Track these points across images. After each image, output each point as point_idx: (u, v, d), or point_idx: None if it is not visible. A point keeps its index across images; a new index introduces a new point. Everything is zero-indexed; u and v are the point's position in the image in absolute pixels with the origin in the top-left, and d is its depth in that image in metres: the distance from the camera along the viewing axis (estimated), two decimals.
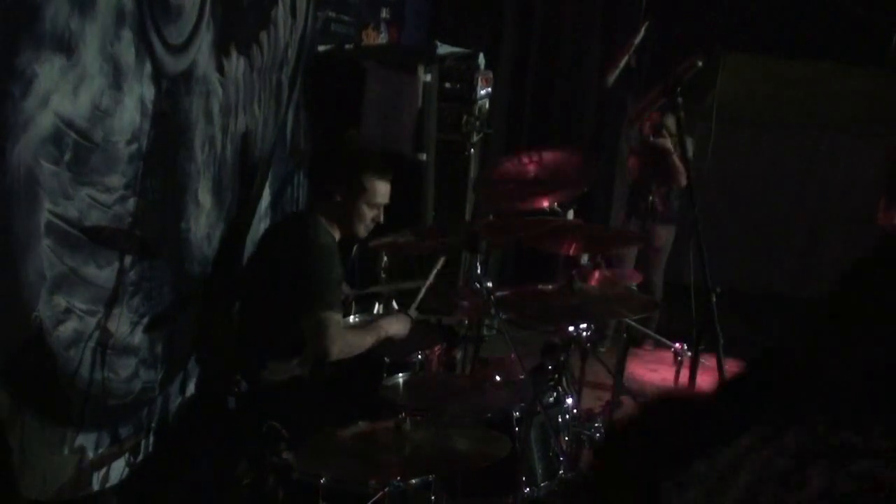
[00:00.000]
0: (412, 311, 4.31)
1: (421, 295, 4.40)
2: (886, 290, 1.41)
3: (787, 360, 1.45)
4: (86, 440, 3.67)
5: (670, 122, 6.62)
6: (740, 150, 8.27)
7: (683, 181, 6.60)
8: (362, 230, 4.18)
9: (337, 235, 4.12)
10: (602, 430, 3.94)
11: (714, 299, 3.18)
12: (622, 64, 5.42)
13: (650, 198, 6.78)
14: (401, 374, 3.88)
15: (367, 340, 4.01)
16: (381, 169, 4.16)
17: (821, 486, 1.21)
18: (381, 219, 4.18)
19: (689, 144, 6.18)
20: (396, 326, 4.16)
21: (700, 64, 3.46)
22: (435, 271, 4.48)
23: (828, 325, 1.43)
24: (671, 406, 1.59)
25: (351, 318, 4.40)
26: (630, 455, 1.51)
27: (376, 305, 4.70)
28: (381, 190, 4.14)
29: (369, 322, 4.23)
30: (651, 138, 6.73)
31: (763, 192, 8.50)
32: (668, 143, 6.68)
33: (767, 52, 8.02)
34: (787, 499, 1.23)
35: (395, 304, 4.46)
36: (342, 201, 4.09)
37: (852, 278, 1.44)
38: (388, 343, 4.12)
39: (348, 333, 3.97)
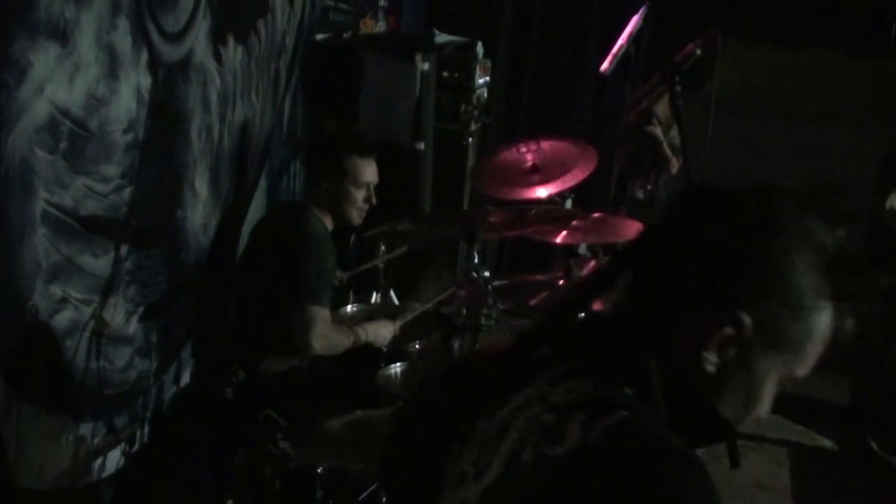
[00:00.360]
0: (398, 322, 4.28)
1: (415, 313, 4.36)
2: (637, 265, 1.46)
3: (559, 325, 1.50)
4: (82, 430, 3.66)
5: (660, 109, 6.60)
6: (738, 138, 8.24)
7: (674, 169, 6.59)
8: (355, 215, 4.13)
9: (330, 224, 4.10)
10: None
11: None
12: (620, 52, 5.39)
13: (647, 187, 6.76)
14: (398, 364, 3.88)
15: (346, 342, 3.97)
16: (361, 147, 4.14)
17: (576, 439, 1.24)
18: (374, 199, 4.16)
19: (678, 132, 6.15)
20: (378, 333, 4.11)
21: (698, 52, 3.44)
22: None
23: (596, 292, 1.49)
24: (465, 370, 1.63)
25: (349, 308, 4.39)
26: (426, 416, 1.57)
27: (374, 295, 4.69)
28: (366, 168, 4.10)
29: (360, 317, 4.22)
30: (647, 127, 6.70)
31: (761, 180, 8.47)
32: (658, 131, 6.65)
33: (767, 41, 8.00)
34: (547, 451, 1.26)
35: (393, 297, 4.44)
36: (329, 187, 4.06)
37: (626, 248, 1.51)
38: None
39: (333, 331, 3.93)
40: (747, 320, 1.33)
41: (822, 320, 1.36)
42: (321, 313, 3.86)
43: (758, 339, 1.34)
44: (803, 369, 1.40)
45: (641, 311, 1.41)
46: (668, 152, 6.57)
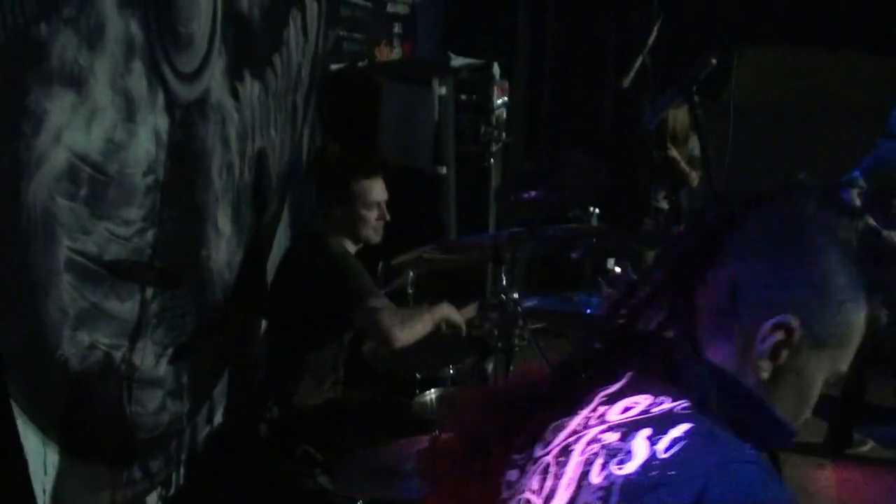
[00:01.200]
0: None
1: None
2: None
3: (605, 344, 1.49)
4: (117, 476, 3.64)
5: (672, 122, 6.58)
6: (759, 144, 8.19)
7: (694, 182, 6.60)
8: (372, 235, 4.16)
9: (352, 248, 4.11)
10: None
11: None
12: (637, 65, 5.37)
13: (671, 197, 6.74)
14: (433, 390, 3.84)
15: (425, 318, 3.95)
16: (365, 168, 4.17)
17: (645, 454, 1.22)
18: (387, 216, 4.17)
19: (696, 142, 6.15)
20: (450, 310, 4.10)
21: (714, 61, 3.42)
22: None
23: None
24: (502, 399, 1.61)
25: None
26: (470, 448, 1.53)
27: None
28: (373, 188, 4.12)
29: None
30: (660, 153, 6.68)
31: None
32: (674, 151, 6.65)
33: (784, 43, 7.96)
34: (615, 471, 1.24)
35: None
36: (342, 214, 4.10)
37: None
38: (446, 328, 4.08)
39: (405, 316, 3.90)
40: (795, 323, 1.33)
41: (860, 313, 1.38)
42: (384, 303, 3.84)
43: (806, 340, 1.35)
44: (846, 364, 1.41)
45: (687, 325, 1.41)
46: (686, 167, 6.58)
